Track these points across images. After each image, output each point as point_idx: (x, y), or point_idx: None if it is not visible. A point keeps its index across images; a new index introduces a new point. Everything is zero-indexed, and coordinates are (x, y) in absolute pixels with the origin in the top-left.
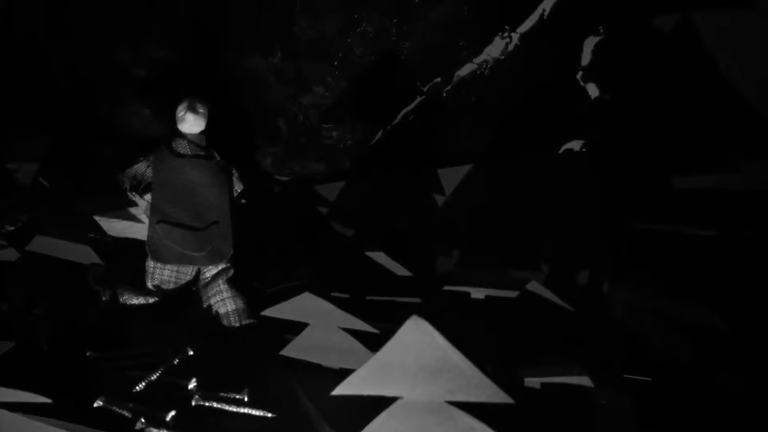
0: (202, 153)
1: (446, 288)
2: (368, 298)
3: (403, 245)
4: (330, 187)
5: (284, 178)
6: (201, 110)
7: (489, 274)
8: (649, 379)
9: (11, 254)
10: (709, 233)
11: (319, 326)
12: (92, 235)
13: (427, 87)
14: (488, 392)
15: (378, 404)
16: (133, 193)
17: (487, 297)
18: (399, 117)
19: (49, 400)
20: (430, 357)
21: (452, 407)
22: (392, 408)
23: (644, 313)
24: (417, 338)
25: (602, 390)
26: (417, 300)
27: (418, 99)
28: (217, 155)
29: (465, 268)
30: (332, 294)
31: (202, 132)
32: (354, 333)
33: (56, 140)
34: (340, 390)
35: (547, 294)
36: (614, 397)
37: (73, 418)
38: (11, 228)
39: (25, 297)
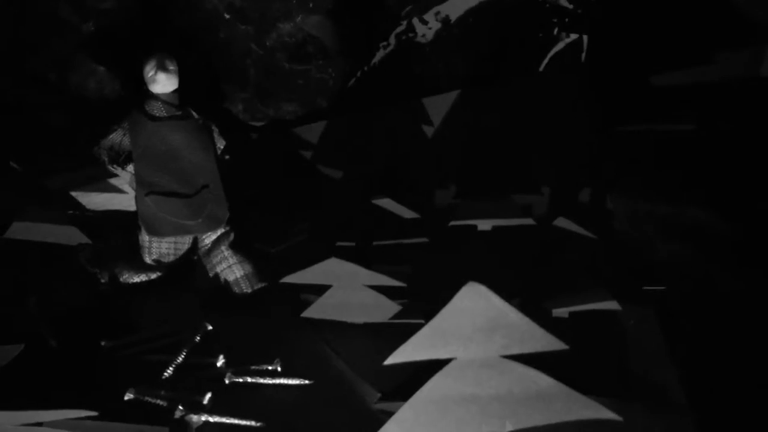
0: (178, 113)
1: (452, 223)
2: (375, 243)
3: (399, 183)
4: (310, 128)
5: (259, 124)
6: (171, 67)
7: (492, 204)
8: (663, 287)
9: None
10: (689, 127)
11: (342, 287)
12: (72, 212)
13: (404, 12)
14: (543, 342)
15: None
16: (114, 165)
17: (494, 227)
18: (375, 49)
19: (95, 413)
20: (485, 318)
21: (507, 360)
22: (447, 368)
23: (642, 220)
24: (473, 303)
25: (628, 311)
26: (425, 240)
27: (395, 30)
28: (194, 113)
29: (468, 200)
30: (337, 244)
31: (175, 90)
32: (379, 289)
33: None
34: (392, 359)
35: (571, 225)
36: (640, 315)
37: (108, 416)
38: None
39: (16, 289)
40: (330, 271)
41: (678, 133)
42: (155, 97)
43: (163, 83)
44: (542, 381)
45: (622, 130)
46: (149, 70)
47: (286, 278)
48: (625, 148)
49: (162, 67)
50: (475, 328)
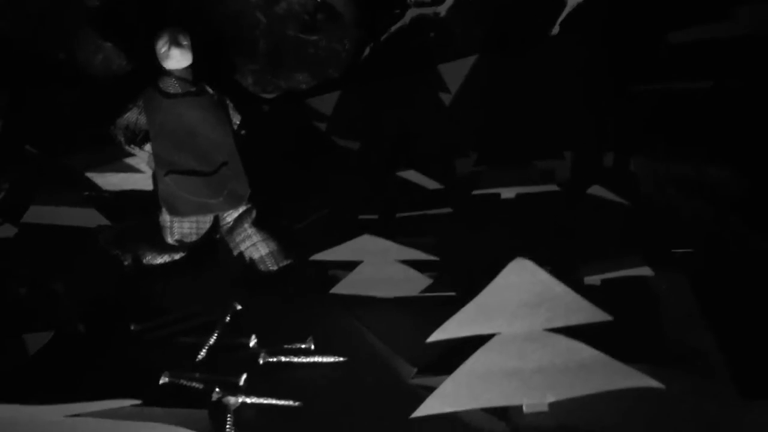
0: (193, 89)
1: (476, 192)
2: (399, 215)
3: (418, 153)
4: (322, 99)
5: (270, 96)
6: (185, 42)
7: (515, 171)
8: (692, 250)
9: (8, 230)
10: (705, 85)
11: (373, 262)
12: (88, 194)
13: None
14: (587, 314)
15: None
16: (132, 145)
17: (518, 195)
18: (388, 15)
19: (137, 401)
20: (530, 292)
21: (550, 333)
22: (490, 343)
23: (664, 180)
24: (519, 278)
25: (661, 276)
26: (449, 210)
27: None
28: (209, 89)
29: (490, 168)
30: (360, 217)
31: (189, 66)
32: (410, 262)
33: (14, 93)
34: (436, 336)
35: (600, 191)
36: (672, 280)
37: (145, 401)
38: None
39: (38, 275)
40: (362, 247)
41: (695, 90)
42: (169, 73)
43: (176, 59)
44: (584, 352)
45: (640, 89)
46: (162, 46)
47: (316, 256)
48: (643, 108)
49: (175, 42)
50: (520, 303)
